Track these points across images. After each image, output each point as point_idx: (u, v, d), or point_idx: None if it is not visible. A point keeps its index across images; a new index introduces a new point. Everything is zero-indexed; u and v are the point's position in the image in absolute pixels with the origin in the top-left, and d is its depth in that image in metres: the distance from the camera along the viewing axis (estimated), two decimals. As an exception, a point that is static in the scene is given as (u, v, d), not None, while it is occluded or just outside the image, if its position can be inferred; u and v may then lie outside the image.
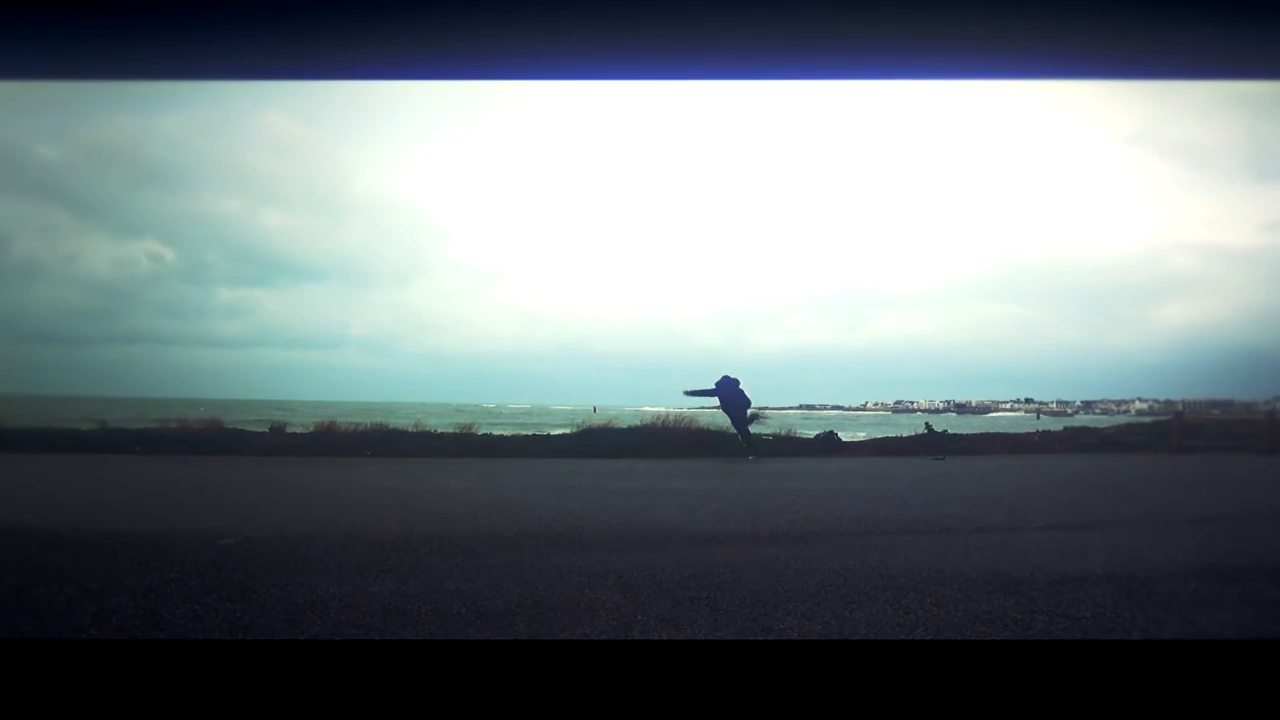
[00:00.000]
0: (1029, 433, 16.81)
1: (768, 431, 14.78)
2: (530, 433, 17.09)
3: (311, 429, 14.38)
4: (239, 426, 14.94)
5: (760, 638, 3.12)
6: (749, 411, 13.75)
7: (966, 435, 15.91)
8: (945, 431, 15.68)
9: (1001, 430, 18.16)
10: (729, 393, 13.67)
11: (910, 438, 15.08)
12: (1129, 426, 17.50)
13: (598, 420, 15.44)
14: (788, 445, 14.46)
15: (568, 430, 15.14)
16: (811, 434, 15.17)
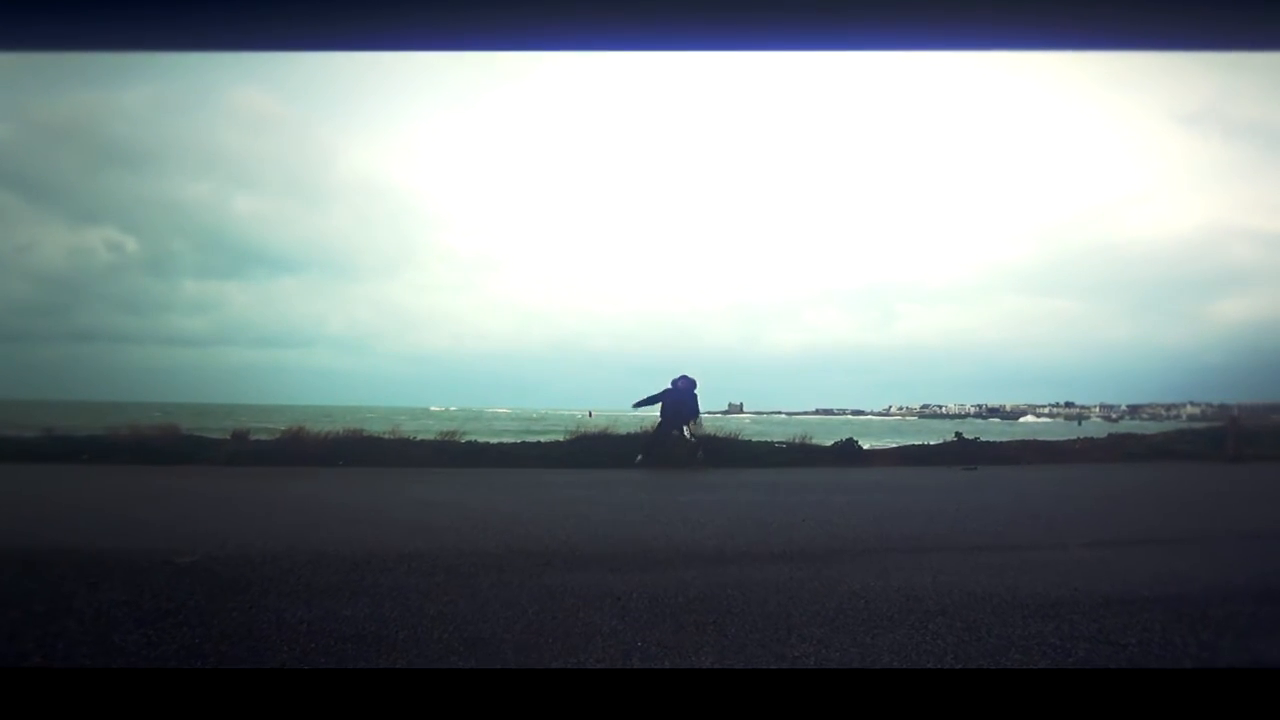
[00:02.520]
0: (1069, 440, 16.81)
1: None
2: (519, 439, 17.09)
3: (279, 435, 14.39)
4: (198, 432, 14.95)
5: (773, 666, 3.12)
6: (694, 420, 13.78)
7: (1000, 443, 15.90)
8: (977, 439, 15.69)
9: (1039, 437, 18.17)
10: (679, 394, 13.63)
11: (938, 445, 15.09)
12: (1180, 433, 17.51)
13: (593, 426, 15.45)
14: (803, 454, 14.46)
15: (560, 437, 15.16)
16: (829, 442, 15.18)
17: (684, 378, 13.74)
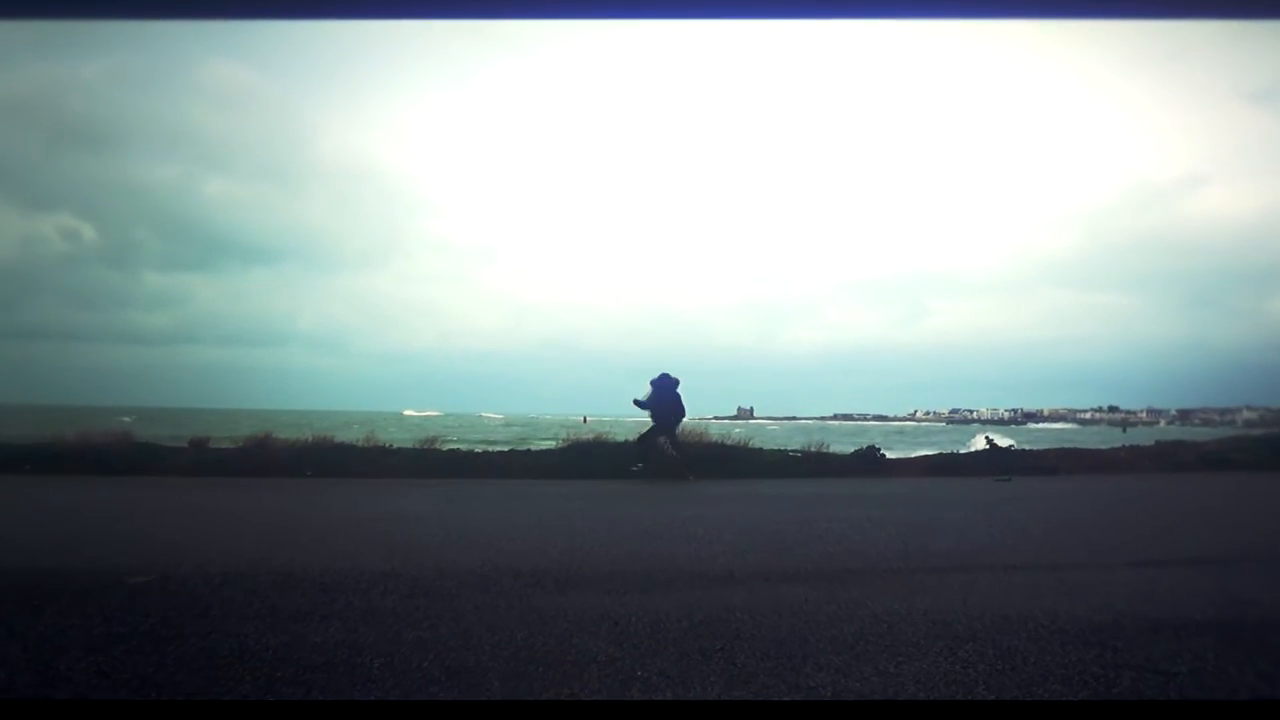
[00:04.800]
0: (1113, 448, 16.85)
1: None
2: (508, 448, 17.10)
3: (243, 443, 14.41)
4: (155, 440, 14.98)
5: (787, 697, 3.12)
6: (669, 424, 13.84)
7: (1037, 451, 15.93)
8: (1011, 447, 15.71)
9: (1080, 444, 18.18)
10: (662, 394, 13.71)
11: (969, 454, 15.14)
12: (1235, 440, 17.55)
13: (588, 432, 15.46)
14: (820, 464, 14.48)
15: (553, 445, 15.18)
16: (849, 450, 15.21)
17: (664, 376, 13.78)
